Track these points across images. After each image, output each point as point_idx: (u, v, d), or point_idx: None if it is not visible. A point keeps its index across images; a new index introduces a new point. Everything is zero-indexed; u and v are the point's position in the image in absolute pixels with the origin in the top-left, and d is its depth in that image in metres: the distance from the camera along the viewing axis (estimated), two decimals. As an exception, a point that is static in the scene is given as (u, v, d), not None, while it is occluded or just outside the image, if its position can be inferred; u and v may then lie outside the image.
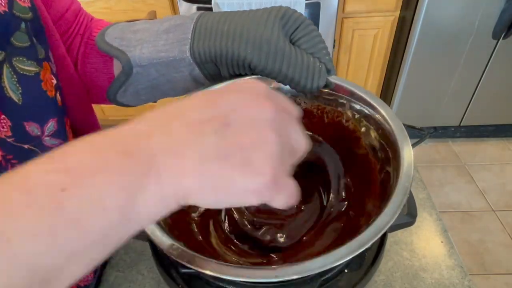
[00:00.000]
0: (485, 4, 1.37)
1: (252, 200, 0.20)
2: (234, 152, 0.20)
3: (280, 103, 0.23)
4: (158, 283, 0.52)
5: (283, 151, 0.21)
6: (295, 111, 0.24)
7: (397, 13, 1.48)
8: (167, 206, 0.20)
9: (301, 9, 1.32)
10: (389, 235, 0.55)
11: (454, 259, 0.52)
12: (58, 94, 0.38)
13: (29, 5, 0.34)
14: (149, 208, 0.20)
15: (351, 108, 0.42)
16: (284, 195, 0.21)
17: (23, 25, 0.33)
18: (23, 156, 0.34)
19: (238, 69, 0.39)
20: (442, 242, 0.54)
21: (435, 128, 1.84)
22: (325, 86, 0.39)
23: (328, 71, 0.38)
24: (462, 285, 0.49)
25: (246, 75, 0.41)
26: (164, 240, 0.30)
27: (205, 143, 0.20)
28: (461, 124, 1.80)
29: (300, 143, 0.23)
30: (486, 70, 1.57)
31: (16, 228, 0.16)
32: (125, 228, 0.19)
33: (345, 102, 0.42)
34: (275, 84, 0.43)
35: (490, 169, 1.73)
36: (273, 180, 0.20)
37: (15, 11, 0.32)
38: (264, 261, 0.39)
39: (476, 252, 1.41)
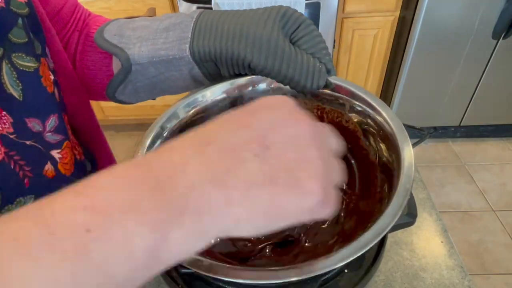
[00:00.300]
0: (485, 4, 1.37)
1: (305, 218, 0.20)
2: (280, 174, 0.19)
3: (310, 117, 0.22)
4: (158, 283, 0.51)
5: (327, 165, 0.20)
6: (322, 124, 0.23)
7: (397, 13, 1.48)
8: (203, 242, 0.19)
9: (301, 9, 1.32)
10: (389, 235, 0.55)
11: (454, 259, 0.52)
12: (56, 90, 0.38)
13: (26, 0, 0.34)
14: (181, 247, 0.18)
15: (351, 108, 0.42)
16: (331, 208, 0.21)
17: (20, 20, 0.33)
18: (26, 153, 0.34)
19: (238, 68, 0.39)
20: (442, 242, 0.54)
21: (435, 128, 1.84)
22: (325, 87, 0.39)
23: (328, 71, 0.38)
24: (462, 285, 0.49)
25: (246, 74, 0.41)
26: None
27: (248, 168, 0.18)
28: (461, 124, 1.80)
29: (338, 147, 0.23)
30: (486, 70, 1.57)
31: (36, 273, 0.15)
32: (152, 269, 0.18)
33: (345, 102, 0.42)
34: (275, 84, 0.43)
35: (490, 169, 1.73)
36: (324, 197, 0.19)
37: (12, 7, 0.32)
38: (270, 255, 0.39)
39: (476, 252, 1.41)
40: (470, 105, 1.71)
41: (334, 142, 0.22)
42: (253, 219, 0.19)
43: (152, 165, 0.19)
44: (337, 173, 0.22)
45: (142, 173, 0.18)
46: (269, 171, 0.19)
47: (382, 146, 0.39)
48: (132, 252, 0.17)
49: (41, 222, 0.16)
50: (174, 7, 1.47)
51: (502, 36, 1.45)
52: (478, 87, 1.63)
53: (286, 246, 0.41)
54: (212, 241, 0.19)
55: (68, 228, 0.16)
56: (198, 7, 1.38)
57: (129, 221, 0.17)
